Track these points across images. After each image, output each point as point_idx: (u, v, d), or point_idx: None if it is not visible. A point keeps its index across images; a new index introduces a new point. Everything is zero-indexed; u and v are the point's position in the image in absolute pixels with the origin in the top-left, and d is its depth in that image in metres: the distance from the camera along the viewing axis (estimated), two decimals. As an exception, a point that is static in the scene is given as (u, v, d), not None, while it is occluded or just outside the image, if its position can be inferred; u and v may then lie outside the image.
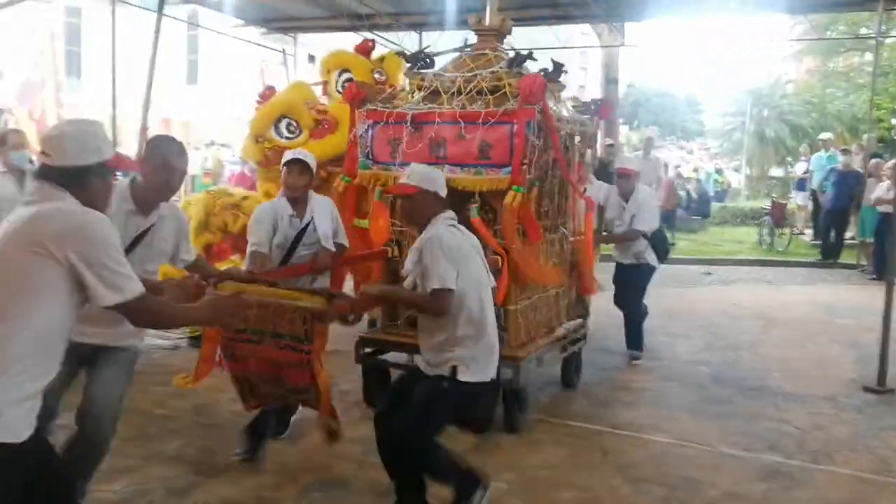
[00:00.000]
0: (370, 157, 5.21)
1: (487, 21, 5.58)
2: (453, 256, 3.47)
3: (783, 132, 28.05)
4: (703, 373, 6.46)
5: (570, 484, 4.28)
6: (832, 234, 13.14)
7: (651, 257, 6.69)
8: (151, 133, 7.55)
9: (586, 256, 5.91)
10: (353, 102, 5.33)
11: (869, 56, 14.86)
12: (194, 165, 21.49)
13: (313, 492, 4.14)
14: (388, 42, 13.81)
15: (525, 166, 4.74)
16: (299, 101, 6.74)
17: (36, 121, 18.28)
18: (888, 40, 21.92)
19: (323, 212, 4.68)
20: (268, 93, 6.78)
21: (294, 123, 6.61)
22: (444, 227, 3.57)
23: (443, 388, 3.56)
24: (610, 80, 16.23)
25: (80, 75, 25.80)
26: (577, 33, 22.62)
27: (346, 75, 6.89)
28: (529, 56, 5.25)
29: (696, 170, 25.86)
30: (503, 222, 4.78)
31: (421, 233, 3.65)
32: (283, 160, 4.64)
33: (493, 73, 5.07)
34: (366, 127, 5.21)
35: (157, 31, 9.71)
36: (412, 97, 5.32)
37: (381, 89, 5.60)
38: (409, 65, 5.48)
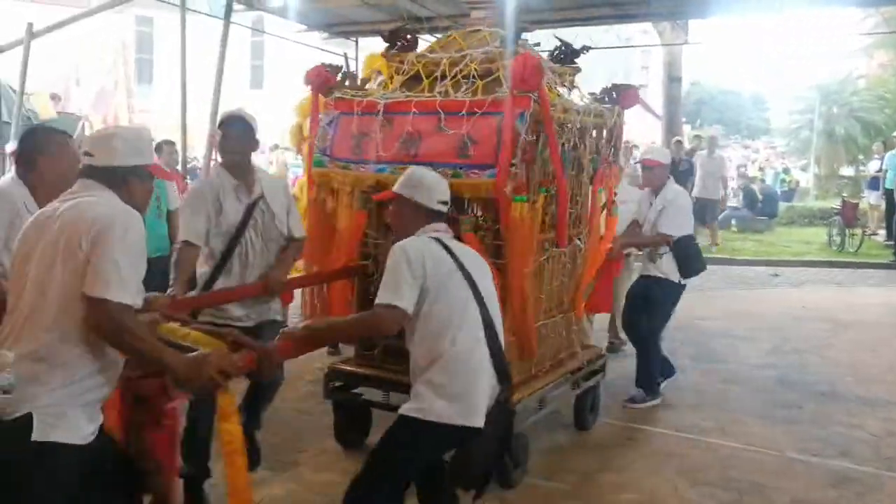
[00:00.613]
0: (328, 153, 4.35)
1: None
2: (417, 272, 2.89)
3: (854, 129, 27.24)
4: (769, 376, 6.31)
5: (633, 487, 4.25)
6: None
7: (671, 269, 5.41)
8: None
9: (604, 268, 5.16)
10: (317, 88, 4.47)
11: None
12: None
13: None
14: (448, 44, 13.90)
15: (516, 168, 3.87)
16: None
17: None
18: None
19: (274, 190, 4.00)
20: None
21: None
22: (422, 238, 3.04)
23: (399, 430, 2.97)
24: (672, 79, 15.98)
25: (151, 82, 26.64)
26: (639, 32, 22.34)
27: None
28: (524, 30, 4.61)
29: (761, 169, 25.31)
30: (507, 240, 3.93)
31: None
32: (219, 120, 4.05)
33: (485, 52, 4.25)
34: (330, 118, 4.41)
35: (225, 37, 9.95)
36: (391, 83, 4.52)
37: (352, 74, 4.73)
38: (387, 45, 4.66)
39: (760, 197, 17.10)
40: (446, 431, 2.89)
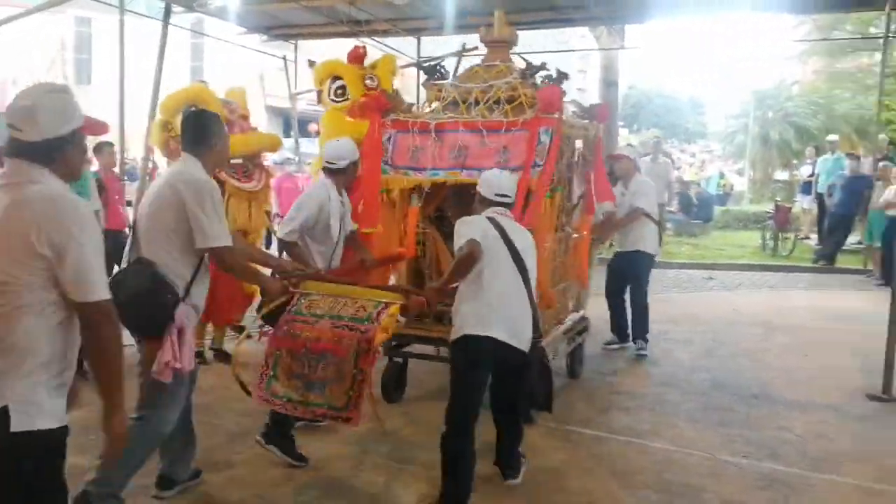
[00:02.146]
0: (389, 162, 5.42)
1: (496, 33, 5.82)
2: (475, 230, 3.91)
3: (788, 134, 27.92)
4: (703, 379, 6.40)
5: (569, 489, 4.27)
6: (834, 239, 13.06)
7: (650, 244, 7.03)
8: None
9: (583, 253, 6.22)
10: (377, 112, 5.52)
11: (878, 56, 14.70)
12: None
13: (310, 489, 4.17)
14: (386, 48, 13.84)
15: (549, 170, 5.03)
16: (212, 95, 6.48)
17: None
18: None
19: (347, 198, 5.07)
20: None
21: None
22: (479, 216, 4.09)
23: (451, 354, 4.11)
24: (609, 83, 16.17)
25: (89, 82, 26.05)
26: (576, 36, 22.60)
27: (338, 83, 6.93)
28: (542, 67, 5.50)
29: (698, 173, 25.81)
30: (534, 224, 4.83)
31: None
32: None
33: (507, 83, 5.43)
34: (388, 135, 5.46)
35: (164, 39, 9.76)
36: (430, 107, 5.69)
37: (402, 100, 5.80)
38: (426, 76, 5.85)
39: (696, 201, 17.40)
40: (472, 338, 3.85)
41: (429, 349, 5.60)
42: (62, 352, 2.34)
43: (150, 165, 10.11)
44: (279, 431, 4.42)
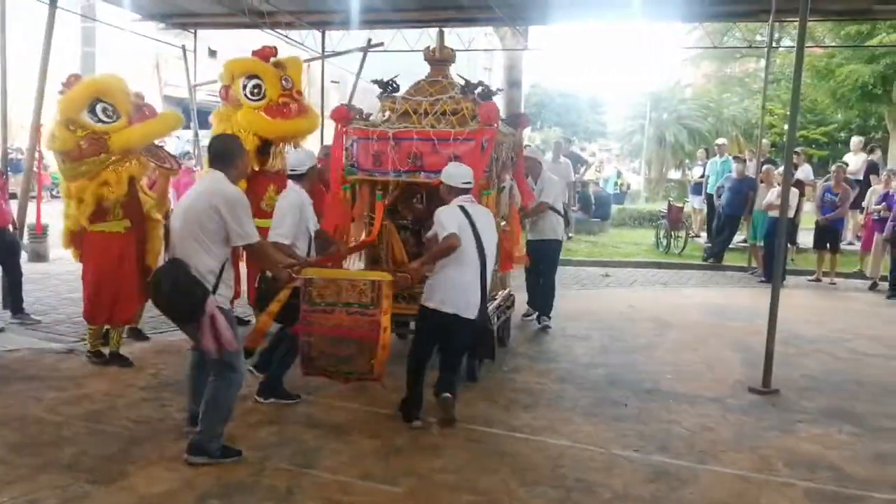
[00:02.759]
0: (355, 166, 6.33)
1: (438, 53, 6.69)
2: (449, 222, 5.11)
3: (681, 136, 29.00)
4: (599, 375, 6.61)
5: (469, 487, 4.33)
6: (722, 238, 13.67)
7: (559, 232, 8.27)
8: (45, 129, 7.20)
9: (511, 240, 7.19)
10: (340, 122, 6.35)
11: (764, 62, 15.54)
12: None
13: (211, 498, 4.08)
14: (290, 41, 13.63)
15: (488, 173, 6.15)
16: (116, 84, 6.21)
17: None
18: (780, 48, 22.96)
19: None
20: (73, 79, 6.21)
21: (111, 108, 6.03)
22: (452, 205, 5.27)
23: (419, 314, 5.43)
24: (513, 84, 16.42)
25: (-36, 65, 24.49)
26: (481, 34, 22.79)
27: (254, 81, 7.14)
28: (479, 84, 6.44)
29: (598, 171, 26.46)
30: None
31: None
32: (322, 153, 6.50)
33: (451, 97, 6.35)
34: (350, 141, 6.34)
35: (51, 23, 9.30)
36: (384, 116, 6.53)
37: (360, 110, 6.62)
38: (380, 90, 6.60)
39: (594, 200, 17.85)
40: (437, 313, 5.17)
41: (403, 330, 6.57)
42: None
43: (37, 156, 9.66)
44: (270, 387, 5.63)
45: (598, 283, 11.69)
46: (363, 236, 6.49)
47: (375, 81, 6.67)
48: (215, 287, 4.39)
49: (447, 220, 5.11)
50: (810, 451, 5.07)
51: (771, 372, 6.28)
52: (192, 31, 13.49)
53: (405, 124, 6.22)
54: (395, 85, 6.58)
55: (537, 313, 8.32)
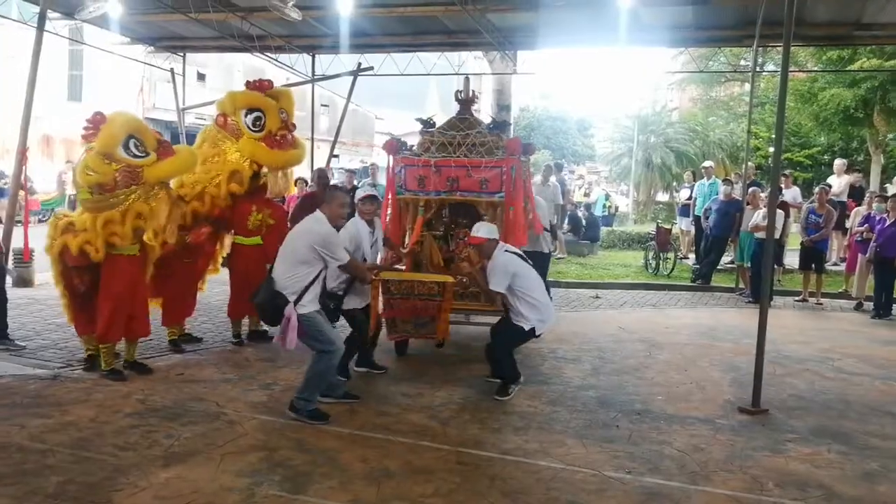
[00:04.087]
0: (403, 187, 7.75)
1: (465, 95, 8.22)
2: (506, 272, 6.46)
3: (669, 159, 29.21)
4: (590, 397, 6.61)
5: (460, 513, 4.29)
6: (710, 259, 13.74)
7: (546, 246, 9.44)
8: (31, 153, 7.26)
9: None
10: (391, 152, 7.85)
11: (748, 86, 15.76)
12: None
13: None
14: (280, 64, 13.69)
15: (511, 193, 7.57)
16: (143, 124, 6.86)
17: None
18: (763, 73, 23.24)
19: (380, 227, 7.30)
20: (98, 118, 6.63)
21: (141, 144, 6.55)
22: (508, 254, 6.62)
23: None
24: (502, 107, 16.54)
25: (-48, 89, 24.49)
26: (471, 58, 22.98)
27: (256, 114, 7.87)
28: (505, 122, 8.67)
29: (587, 194, 26.59)
30: (507, 225, 7.56)
31: (488, 260, 6.65)
32: (358, 197, 7.05)
33: (479, 132, 7.84)
34: (399, 168, 7.76)
35: (38, 48, 9.31)
36: (424, 148, 7.89)
37: (405, 142, 8.05)
38: (421, 126, 8.09)
39: (584, 222, 17.94)
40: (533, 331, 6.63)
41: (459, 317, 8.08)
42: None
43: (23, 178, 9.63)
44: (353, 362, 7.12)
45: (589, 304, 11.71)
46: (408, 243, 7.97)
47: (419, 119, 8.21)
48: (299, 298, 5.59)
49: (503, 274, 6.46)
50: (800, 470, 5.08)
51: (760, 392, 6.31)
52: (182, 54, 13.54)
53: (443, 154, 7.70)
54: (433, 122, 8.10)
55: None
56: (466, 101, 8.24)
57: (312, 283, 5.67)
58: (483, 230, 6.65)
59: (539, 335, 6.77)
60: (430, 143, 7.89)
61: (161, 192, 6.66)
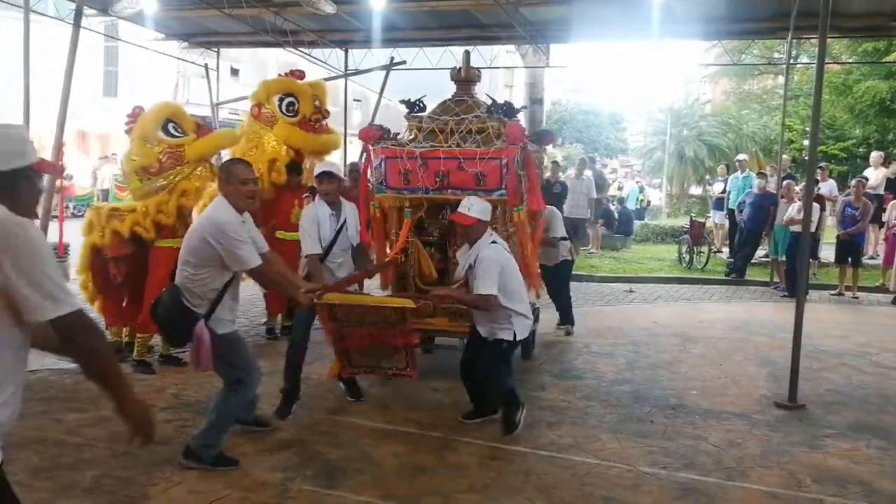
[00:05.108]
0: (384, 184, 6.45)
1: (464, 73, 6.85)
2: (496, 270, 5.19)
3: (701, 152, 28.92)
4: (624, 391, 6.57)
5: (496, 507, 4.30)
6: (744, 253, 13.59)
7: (566, 253, 8.47)
8: (67, 148, 7.43)
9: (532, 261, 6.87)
10: (369, 141, 6.57)
11: (782, 79, 15.54)
12: (107, 179, 21.01)
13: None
14: (313, 59, 13.76)
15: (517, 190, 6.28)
16: (180, 108, 7.17)
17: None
18: (798, 65, 22.92)
19: (352, 214, 5.96)
20: (138, 111, 6.99)
21: (179, 126, 6.81)
22: (497, 246, 5.38)
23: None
24: (535, 101, 16.48)
25: (-9, 84, 24.94)
26: (503, 52, 22.92)
27: (289, 98, 7.81)
28: (505, 105, 6.54)
29: (620, 188, 26.41)
30: (518, 231, 6.42)
31: (471, 246, 5.41)
32: (315, 173, 5.94)
33: (477, 117, 6.43)
34: (379, 160, 6.43)
35: (74, 44, 9.43)
36: (411, 136, 6.62)
37: (388, 129, 6.73)
38: (407, 110, 6.71)
39: (617, 216, 17.85)
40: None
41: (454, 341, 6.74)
42: (11, 373, 2.29)
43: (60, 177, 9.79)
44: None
45: (622, 299, 11.64)
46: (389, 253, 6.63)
47: (403, 102, 6.75)
48: (210, 311, 4.51)
49: (493, 273, 5.17)
50: (838, 466, 5.01)
51: (797, 387, 6.23)
52: (215, 49, 13.66)
53: (432, 143, 6.34)
54: (421, 105, 6.69)
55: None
56: (465, 80, 6.86)
57: (223, 291, 4.57)
58: (476, 207, 5.36)
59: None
60: (418, 131, 6.62)
61: (204, 172, 6.82)
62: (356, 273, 6.00)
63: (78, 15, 9.53)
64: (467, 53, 7.12)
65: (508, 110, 6.56)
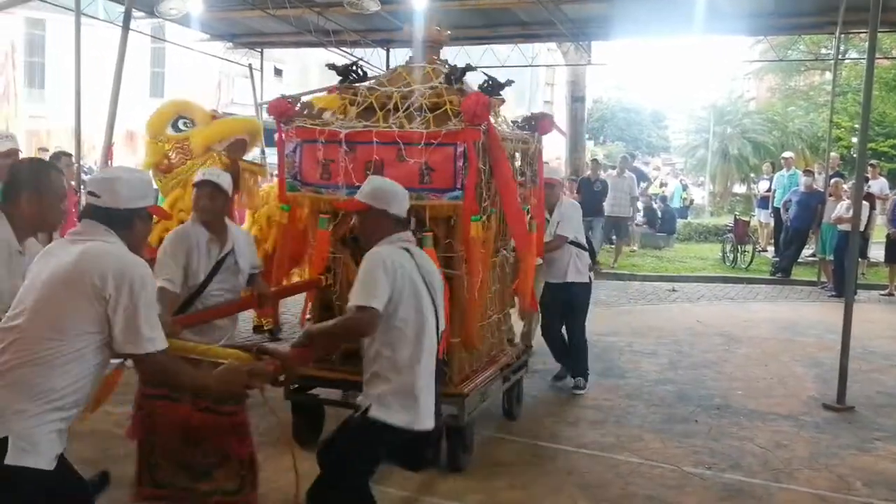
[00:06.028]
0: (298, 178, 4.73)
1: (424, 32, 5.15)
2: (393, 277, 3.09)
3: (746, 150, 28.46)
4: (668, 391, 6.51)
5: (537, 505, 4.30)
6: (790, 252, 13.38)
7: (582, 274, 6.28)
8: (116, 148, 7.51)
9: (529, 275, 5.33)
10: (278, 118, 4.80)
11: (829, 75, 15.26)
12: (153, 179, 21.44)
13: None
14: (355, 59, 13.85)
15: (477, 192, 4.47)
16: (192, 103, 7.01)
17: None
18: (846, 60, 22.47)
19: (243, 244, 4.27)
20: None
21: (189, 121, 6.67)
22: (394, 247, 3.22)
23: (363, 430, 3.20)
24: (576, 99, 16.39)
25: (43, 86, 25.57)
26: (544, 49, 22.83)
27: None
28: (469, 68, 4.76)
29: (663, 185, 26.12)
30: (468, 255, 4.45)
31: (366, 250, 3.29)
32: (194, 181, 4.25)
33: (432, 88, 4.62)
34: (293, 146, 4.73)
35: (124, 46, 9.60)
36: (344, 113, 4.84)
37: (310, 104, 5.07)
38: (340, 77, 4.91)
39: (660, 214, 17.68)
40: (407, 435, 3.19)
41: (336, 392, 5.05)
42: (83, 396, 2.51)
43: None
44: None
45: (665, 298, 11.52)
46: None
47: (330, 66, 5.11)
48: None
49: (382, 276, 3.08)
50: (890, 469, 4.92)
51: (845, 388, 6.12)
52: (259, 50, 13.83)
53: (365, 123, 4.62)
54: (361, 72, 4.94)
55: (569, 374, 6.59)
56: (431, 41, 5.10)
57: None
58: (371, 187, 3.35)
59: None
60: (349, 105, 4.82)
61: (213, 163, 6.37)
62: (239, 301, 4.31)
63: (127, 17, 9.69)
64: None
65: (495, 85, 4.61)
